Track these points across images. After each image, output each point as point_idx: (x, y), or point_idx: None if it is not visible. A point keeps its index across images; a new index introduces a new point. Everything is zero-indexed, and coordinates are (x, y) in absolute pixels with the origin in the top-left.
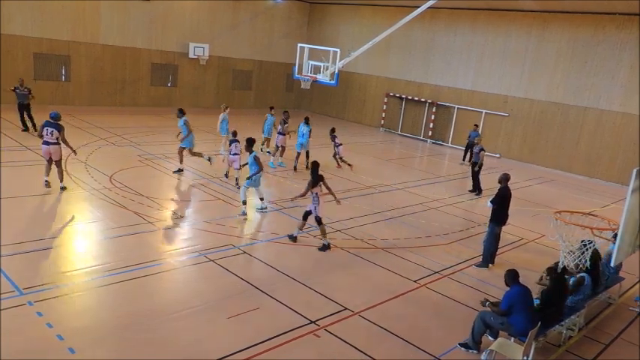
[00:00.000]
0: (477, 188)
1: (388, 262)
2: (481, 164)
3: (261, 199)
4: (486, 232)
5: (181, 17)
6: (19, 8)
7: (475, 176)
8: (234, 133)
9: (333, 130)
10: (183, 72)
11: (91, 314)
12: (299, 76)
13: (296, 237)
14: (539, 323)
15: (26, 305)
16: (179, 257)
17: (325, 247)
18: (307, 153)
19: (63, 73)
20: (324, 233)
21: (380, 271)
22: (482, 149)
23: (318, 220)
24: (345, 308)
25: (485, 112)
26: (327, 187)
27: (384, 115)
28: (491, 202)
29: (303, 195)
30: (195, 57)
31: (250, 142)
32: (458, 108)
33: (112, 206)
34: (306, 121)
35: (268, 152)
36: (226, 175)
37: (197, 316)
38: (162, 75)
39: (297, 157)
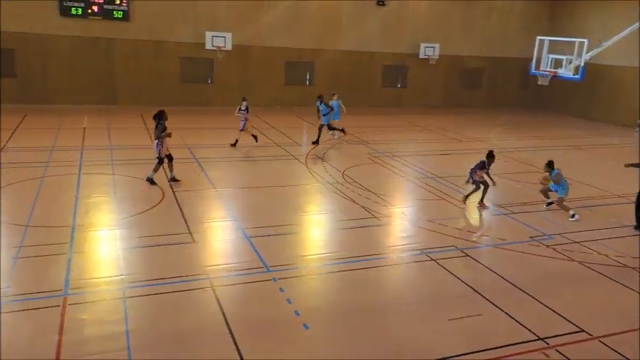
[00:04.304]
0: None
1: None
2: None
3: None
4: None
5: (413, 19)
6: (277, 26)
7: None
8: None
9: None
10: (413, 73)
11: (323, 296)
12: (536, 71)
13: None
14: None
15: (271, 281)
16: (401, 253)
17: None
18: (329, 125)
19: (307, 78)
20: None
21: (630, 294)
22: None
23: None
24: (582, 330)
25: None
26: None
27: None
28: None
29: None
30: (426, 57)
31: None
32: None
33: (342, 199)
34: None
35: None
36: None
37: (415, 313)
38: (393, 76)
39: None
